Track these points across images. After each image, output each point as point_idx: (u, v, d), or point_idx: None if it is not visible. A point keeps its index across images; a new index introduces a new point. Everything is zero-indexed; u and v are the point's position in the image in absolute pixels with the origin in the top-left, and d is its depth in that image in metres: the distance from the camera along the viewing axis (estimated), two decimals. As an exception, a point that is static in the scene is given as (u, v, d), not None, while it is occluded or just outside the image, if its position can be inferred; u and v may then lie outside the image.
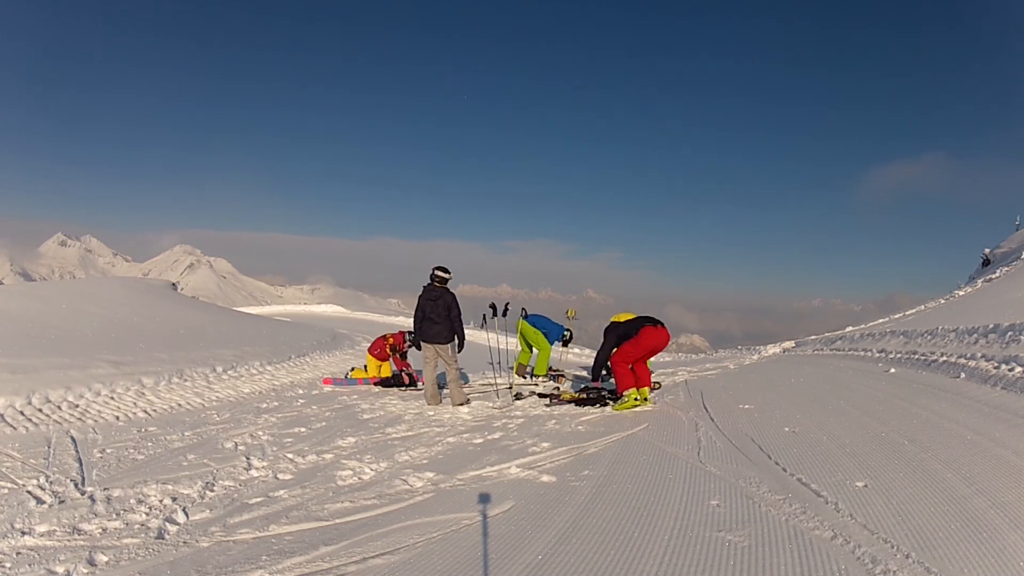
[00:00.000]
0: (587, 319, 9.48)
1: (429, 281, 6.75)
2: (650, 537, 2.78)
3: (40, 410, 5.42)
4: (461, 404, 6.57)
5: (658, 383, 6.69)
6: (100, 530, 3.07)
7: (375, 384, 8.22)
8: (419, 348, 7.03)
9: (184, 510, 3.34)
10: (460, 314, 6.73)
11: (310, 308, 31.53)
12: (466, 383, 8.11)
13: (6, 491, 3.58)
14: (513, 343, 8.64)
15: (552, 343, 8.33)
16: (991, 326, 6.59)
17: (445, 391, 7.17)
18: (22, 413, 5.26)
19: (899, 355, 7.46)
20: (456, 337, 6.74)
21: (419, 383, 8.12)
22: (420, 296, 6.73)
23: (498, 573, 2.52)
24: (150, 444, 4.77)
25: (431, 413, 6.24)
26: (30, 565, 2.67)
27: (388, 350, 8.56)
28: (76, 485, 3.72)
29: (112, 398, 6.14)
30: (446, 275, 6.74)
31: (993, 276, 18.31)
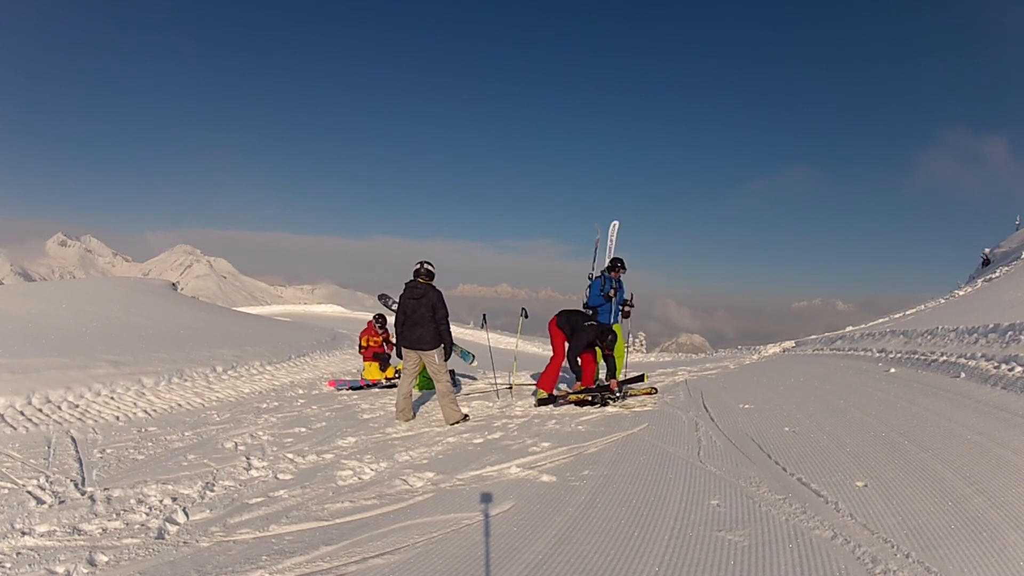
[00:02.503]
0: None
1: (412, 278, 5.91)
2: (650, 537, 2.78)
3: (40, 410, 5.42)
4: (456, 423, 5.63)
5: (654, 387, 6.66)
6: (100, 530, 3.07)
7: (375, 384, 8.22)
8: (400, 356, 6.03)
9: (184, 510, 3.34)
10: (447, 315, 5.84)
11: (310, 308, 31.56)
12: (458, 391, 7.63)
13: (6, 491, 3.58)
14: (513, 343, 8.65)
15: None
16: (991, 326, 6.59)
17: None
18: (22, 413, 5.26)
19: (899, 355, 7.47)
20: (443, 342, 5.86)
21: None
22: (401, 295, 5.90)
23: (498, 573, 2.52)
24: (150, 444, 4.77)
25: (428, 414, 6.22)
26: (30, 565, 2.67)
27: (382, 344, 8.60)
28: (76, 485, 3.71)
29: (112, 398, 6.14)
30: (433, 269, 5.96)
31: (993, 276, 18.32)
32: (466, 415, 5.86)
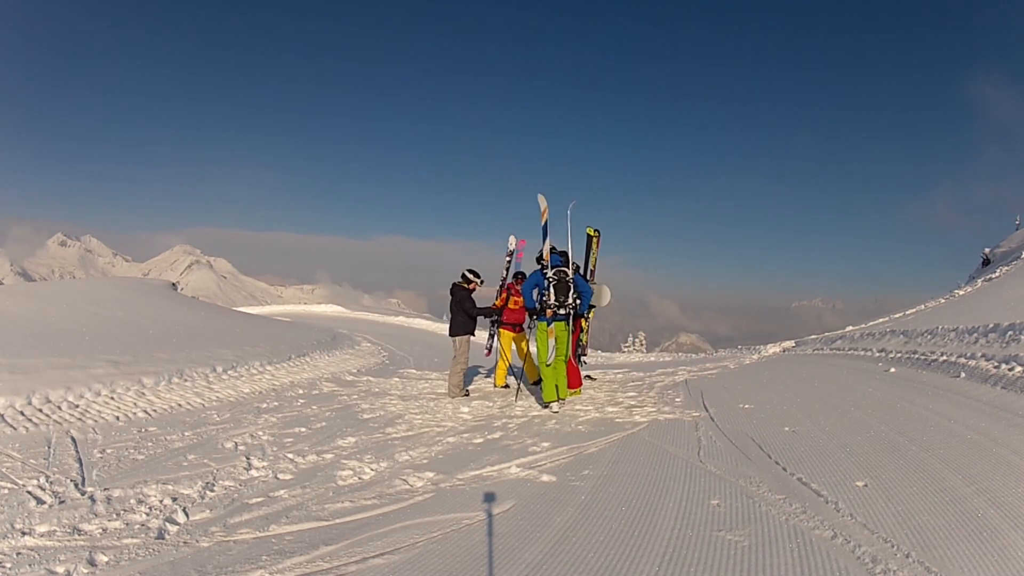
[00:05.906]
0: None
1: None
2: (650, 537, 2.78)
3: (40, 410, 5.41)
4: (453, 396, 7.19)
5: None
6: (100, 530, 3.07)
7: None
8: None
9: (184, 510, 3.34)
10: (473, 306, 7.50)
11: (310, 308, 31.49)
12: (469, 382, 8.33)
13: (6, 491, 3.57)
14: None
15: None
16: (991, 326, 6.59)
17: (470, 387, 7.93)
18: (22, 413, 5.26)
19: (899, 355, 7.46)
20: (466, 330, 7.50)
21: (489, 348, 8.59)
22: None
23: (499, 573, 2.52)
24: (150, 444, 4.76)
25: (429, 414, 6.23)
26: (30, 565, 2.67)
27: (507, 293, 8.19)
28: (76, 485, 3.71)
29: (112, 398, 6.13)
30: (470, 277, 7.60)
31: (993, 276, 18.31)
32: (467, 392, 7.46)
